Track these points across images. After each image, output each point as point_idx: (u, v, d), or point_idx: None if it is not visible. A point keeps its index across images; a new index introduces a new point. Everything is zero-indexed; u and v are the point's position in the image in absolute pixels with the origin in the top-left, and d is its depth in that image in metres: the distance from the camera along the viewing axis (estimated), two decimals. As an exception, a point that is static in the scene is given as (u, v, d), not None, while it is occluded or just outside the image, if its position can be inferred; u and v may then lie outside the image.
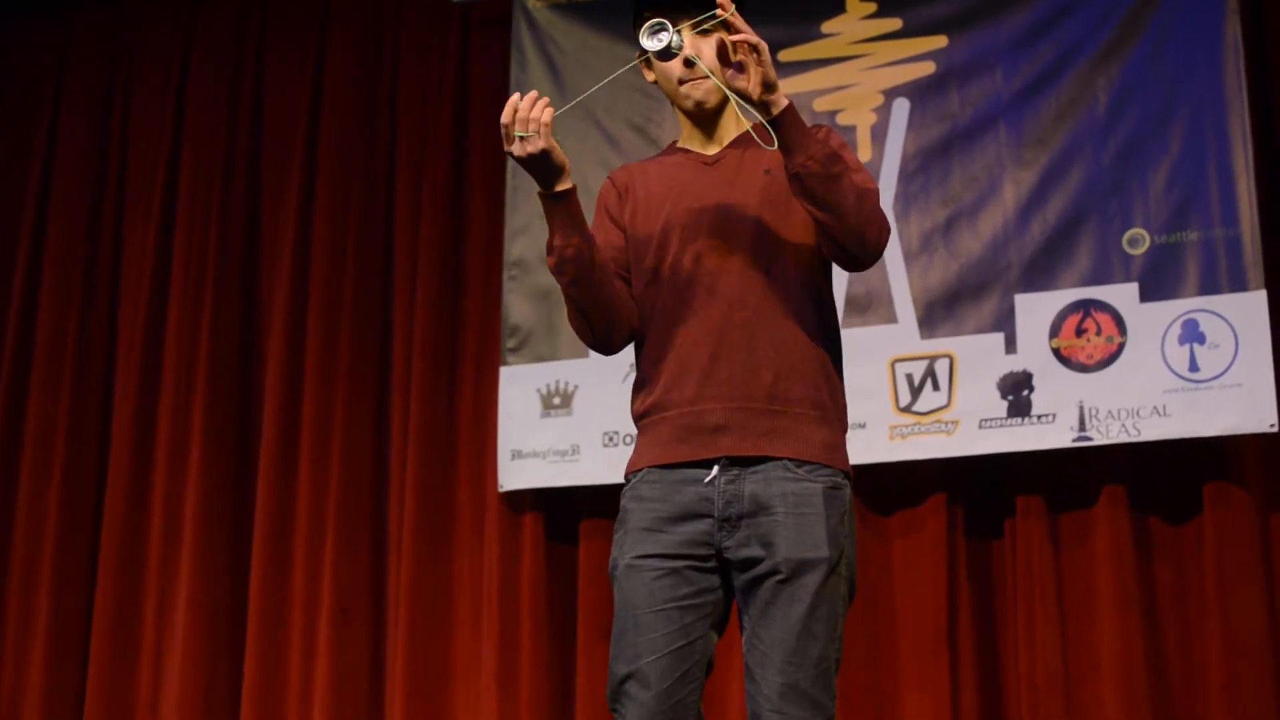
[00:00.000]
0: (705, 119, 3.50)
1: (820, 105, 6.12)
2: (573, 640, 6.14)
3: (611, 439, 6.06)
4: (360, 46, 7.08)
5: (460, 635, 6.34)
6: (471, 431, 6.47)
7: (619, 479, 3.39)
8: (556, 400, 6.19)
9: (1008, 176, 5.87)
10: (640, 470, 3.35)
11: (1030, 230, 5.79)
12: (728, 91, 3.23)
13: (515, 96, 3.19)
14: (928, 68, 6.07)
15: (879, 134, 6.04)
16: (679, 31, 3.26)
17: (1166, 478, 5.63)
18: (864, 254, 3.27)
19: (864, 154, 6.01)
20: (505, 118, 3.18)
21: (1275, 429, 5.37)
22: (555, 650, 6.17)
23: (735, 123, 3.49)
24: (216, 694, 6.56)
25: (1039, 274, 5.75)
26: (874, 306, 5.87)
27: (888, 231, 3.31)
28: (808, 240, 3.34)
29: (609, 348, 3.47)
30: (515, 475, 6.21)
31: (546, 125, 3.16)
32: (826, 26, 6.21)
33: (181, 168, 7.19)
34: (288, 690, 6.47)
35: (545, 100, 3.19)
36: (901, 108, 6.05)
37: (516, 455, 6.20)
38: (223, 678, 6.58)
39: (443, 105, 6.84)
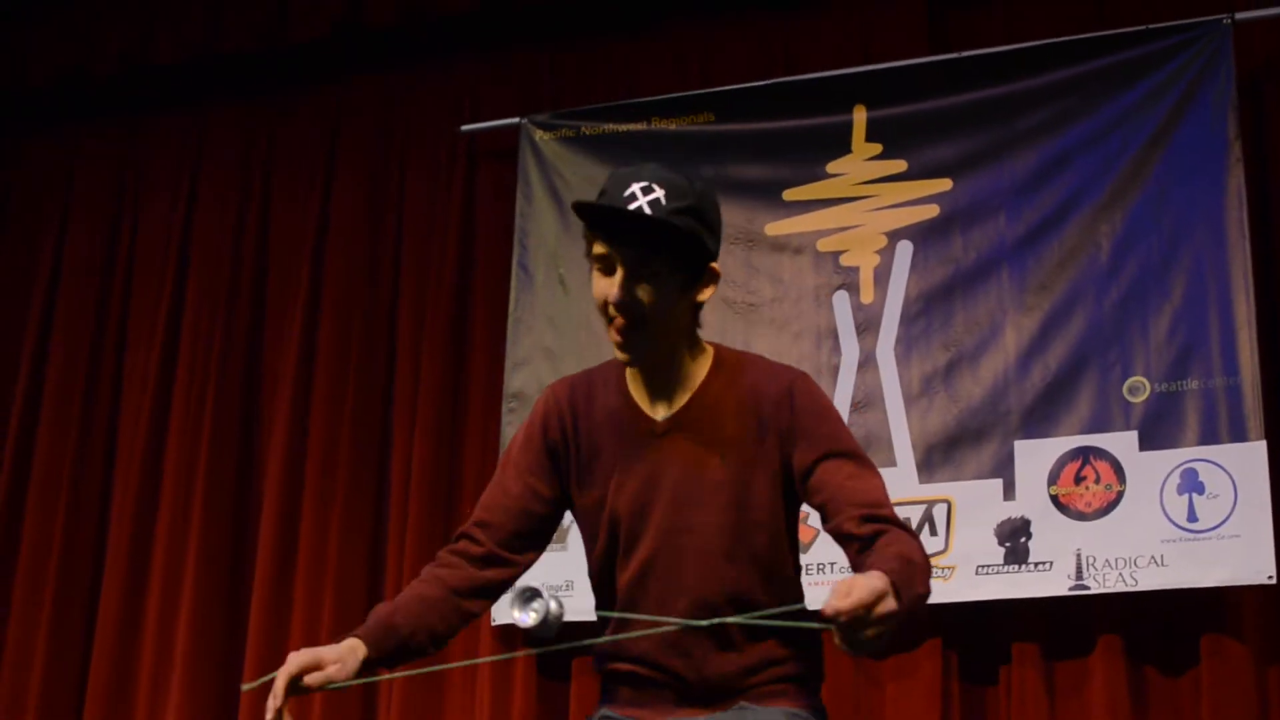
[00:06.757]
0: (645, 371, 3.04)
1: (824, 245, 6.12)
2: (564, 779, 6.06)
3: (606, 575, 5.99)
4: (367, 173, 7.11)
5: (452, 772, 6.27)
6: (467, 564, 6.41)
7: (616, 616, 3.25)
8: (552, 534, 6.12)
9: (1009, 321, 5.85)
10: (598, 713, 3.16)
11: (1031, 376, 5.77)
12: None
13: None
14: (932, 210, 6.06)
15: (882, 276, 6.03)
16: (554, 599, 2.73)
17: (1164, 628, 5.57)
18: None
19: (866, 296, 6.00)
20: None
21: (1274, 581, 5.31)
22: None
23: (691, 368, 3.03)
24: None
25: (1039, 420, 5.72)
26: (873, 449, 5.78)
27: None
28: (775, 516, 3.01)
29: None
30: (508, 610, 6.11)
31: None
32: (832, 166, 6.22)
33: (187, 288, 7.21)
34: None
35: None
36: (905, 250, 6.05)
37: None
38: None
39: (448, 234, 6.84)
